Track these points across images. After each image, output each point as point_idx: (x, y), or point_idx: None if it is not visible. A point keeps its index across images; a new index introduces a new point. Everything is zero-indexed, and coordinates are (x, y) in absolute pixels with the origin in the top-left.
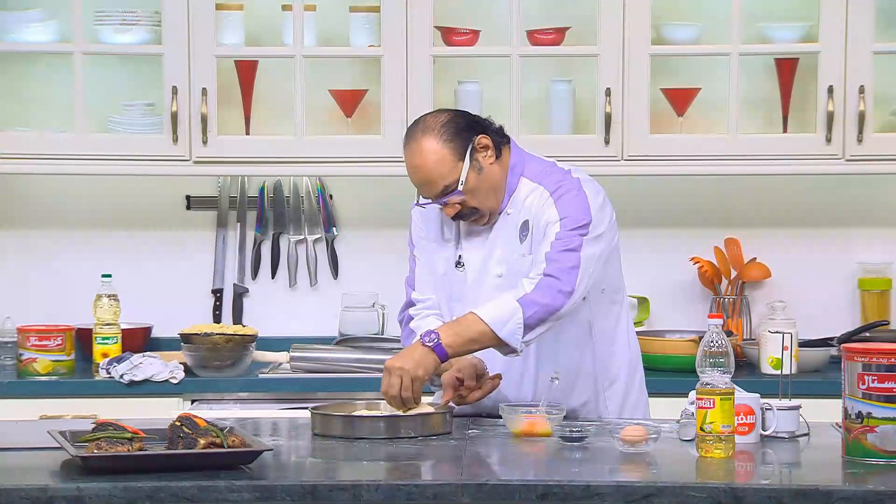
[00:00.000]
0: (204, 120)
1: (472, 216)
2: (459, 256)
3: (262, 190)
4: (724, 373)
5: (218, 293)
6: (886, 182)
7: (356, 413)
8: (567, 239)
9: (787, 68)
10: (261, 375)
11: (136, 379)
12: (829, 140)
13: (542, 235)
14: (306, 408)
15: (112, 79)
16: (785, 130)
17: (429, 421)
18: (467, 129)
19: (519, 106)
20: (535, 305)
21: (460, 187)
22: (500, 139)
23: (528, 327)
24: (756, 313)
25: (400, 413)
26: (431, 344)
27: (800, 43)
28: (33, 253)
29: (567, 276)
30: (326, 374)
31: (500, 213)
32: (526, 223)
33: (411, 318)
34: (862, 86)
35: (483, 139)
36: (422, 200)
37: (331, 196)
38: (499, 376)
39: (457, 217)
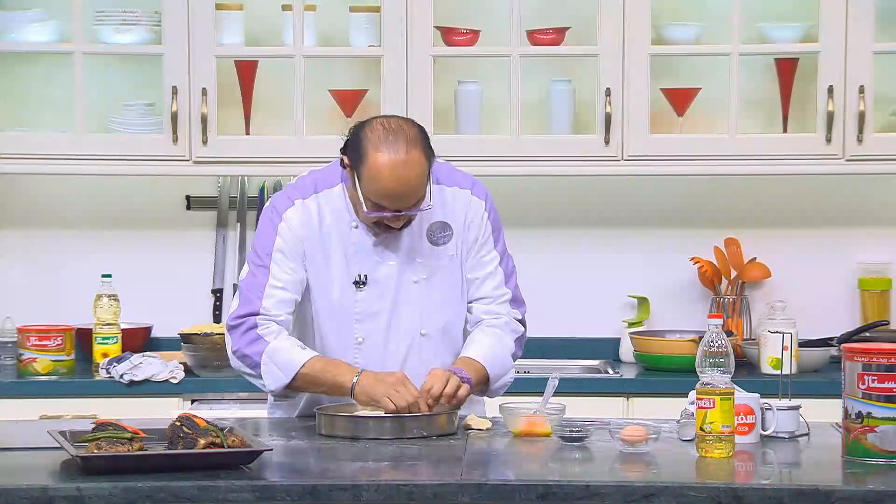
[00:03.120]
0: (204, 120)
1: (402, 229)
2: (360, 275)
3: (262, 190)
4: (724, 373)
5: (218, 293)
6: (886, 182)
7: (361, 413)
8: (512, 270)
9: (787, 68)
10: None
11: (136, 379)
12: (829, 140)
13: (479, 244)
14: None
15: (112, 79)
16: (785, 130)
17: (435, 421)
18: (429, 143)
19: (519, 106)
20: (515, 359)
21: (431, 201)
22: None
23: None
24: (756, 313)
25: (405, 413)
26: (463, 376)
27: (800, 43)
28: (33, 253)
29: (525, 324)
30: None
31: None
32: (445, 225)
33: (256, 326)
34: (862, 86)
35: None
36: (374, 214)
37: None
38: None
39: (391, 229)
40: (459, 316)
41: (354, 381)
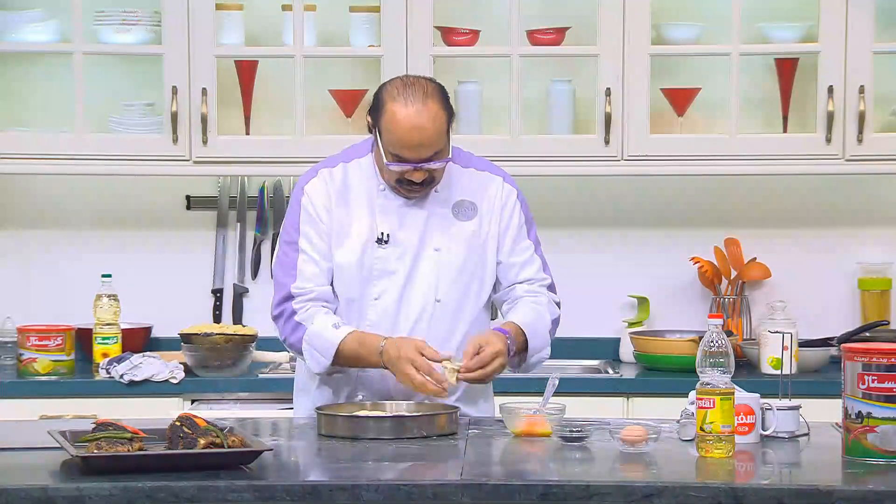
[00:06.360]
0: (204, 120)
1: (425, 188)
2: (382, 233)
3: (262, 190)
4: (724, 373)
5: (218, 293)
6: (886, 182)
7: (361, 413)
8: (545, 261)
9: (787, 68)
10: (261, 375)
11: (136, 379)
12: (829, 140)
13: (514, 230)
14: None
15: (112, 79)
16: (785, 130)
17: (435, 421)
18: (447, 100)
19: (519, 106)
20: (550, 338)
21: (449, 155)
22: None
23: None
24: (756, 313)
25: (405, 413)
26: (509, 339)
27: (800, 43)
28: (33, 253)
29: (560, 308)
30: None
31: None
32: (472, 204)
33: (294, 312)
34: (862, 86)
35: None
36: (395, 166)
37: None
38: None
39: (414, 186)
40: (479, 293)
41: (382, 362)
